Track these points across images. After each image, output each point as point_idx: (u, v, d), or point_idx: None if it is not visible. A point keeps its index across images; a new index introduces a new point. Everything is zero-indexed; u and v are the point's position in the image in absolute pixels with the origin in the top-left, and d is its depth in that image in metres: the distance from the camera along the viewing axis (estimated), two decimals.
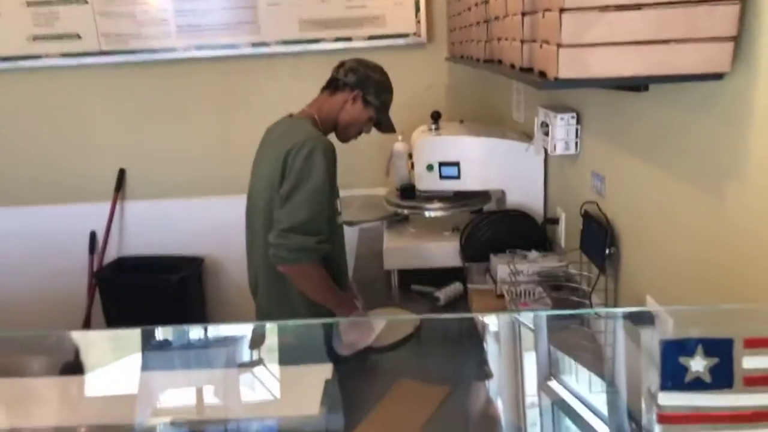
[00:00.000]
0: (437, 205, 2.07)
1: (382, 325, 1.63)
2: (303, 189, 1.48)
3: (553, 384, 1.15)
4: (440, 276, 1.95)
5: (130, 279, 3.00)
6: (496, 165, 1.99)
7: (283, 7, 2.71)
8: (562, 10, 0.86)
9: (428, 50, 2.79)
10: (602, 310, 1.42)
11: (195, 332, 1.23)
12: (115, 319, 2.97)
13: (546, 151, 1.79)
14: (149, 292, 2.87)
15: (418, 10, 2.71)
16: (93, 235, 3.09)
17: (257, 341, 1.24)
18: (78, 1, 2.72)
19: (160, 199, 3.04)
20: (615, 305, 1.40)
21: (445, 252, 1.99)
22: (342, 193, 1.67)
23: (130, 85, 2.89)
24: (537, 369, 1.15)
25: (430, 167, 1.99)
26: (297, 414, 1.22)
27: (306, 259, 1.50)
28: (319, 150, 1.50)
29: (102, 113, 2.95)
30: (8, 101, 2.94)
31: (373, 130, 1.80)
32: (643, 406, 0.72)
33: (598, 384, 1.11)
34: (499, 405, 1.22)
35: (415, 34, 2.74)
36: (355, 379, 1.49)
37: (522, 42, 1.12)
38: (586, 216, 1.47)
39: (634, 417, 0.98)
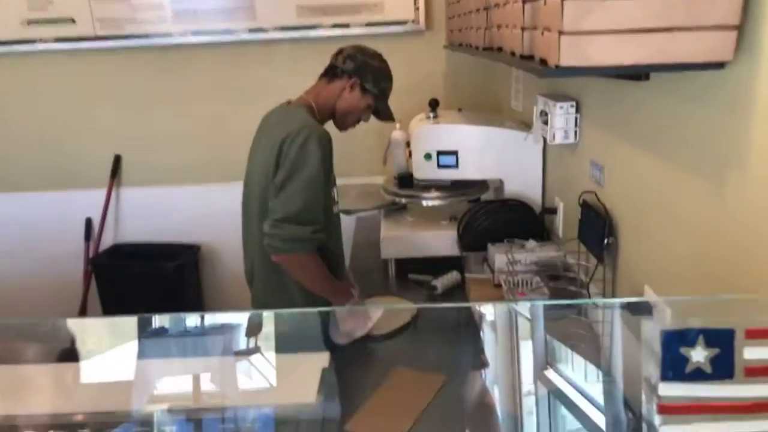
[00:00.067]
0: (435, 194, 2.06)
1: (379, 313, 1.64)
2: (297, 178, 1.47)
3: (550, 373, 1.15)
4: (437, 265, 1.94)
5: (126, 266, 2.99)
6: (494, 154, 1.99)
7: None
8: None
9: (426, 37, 2.77)
10: (600, 300, 1.42)
11: (191, 320, 1.23)
12: (111, 307, 2.96)
13: (545, 140, 1.78)
14: (145, 280, 2.86)
15: None
16: (89, 222, 3.07)
17: (254, 329, 1.24)
18: None
19: (156, 185, 3.02)
20: (613, 295, 1.40)
21: (442, 241, 1.99)
22: (339, 181, 1.66)
23: (126, 70, 2.86)
24: (534, 358, 1.15)
25: (428, 156, 1.98)
26: (294, 402, 1.22)
27: (301, 249, 1.48)
28: (314, 138, 1.48)
29: (97, 99, 2.92)
30: (1, 86, 2.90)
31: (371, 118, 1.78)
32: (643, 396, 0.72)
33: (595, 374, 1.11)
34: (496, 394, 1.23)
35: (413, 21, 2.72)
36: (351, 367, 1.49)
37: (523, 29, 1.11)
38: (585, 206, 1.47)
39: (630, 406, 0.98)
